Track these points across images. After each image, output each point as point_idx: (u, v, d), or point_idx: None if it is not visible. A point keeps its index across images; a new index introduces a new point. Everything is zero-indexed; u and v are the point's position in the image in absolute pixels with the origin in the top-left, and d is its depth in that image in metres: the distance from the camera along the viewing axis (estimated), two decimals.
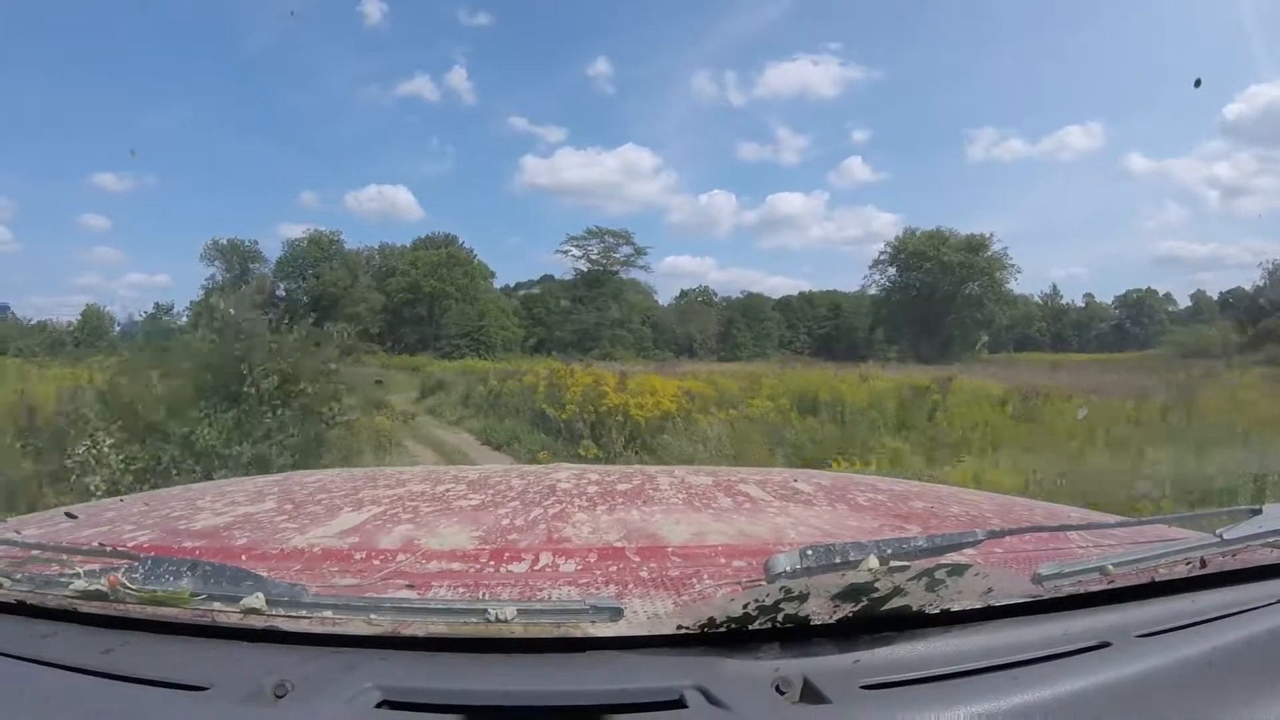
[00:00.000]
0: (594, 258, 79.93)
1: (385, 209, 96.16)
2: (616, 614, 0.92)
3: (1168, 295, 77.46)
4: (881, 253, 76.37)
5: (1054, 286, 79.41)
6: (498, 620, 0.91)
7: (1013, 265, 71.73)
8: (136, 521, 1.65)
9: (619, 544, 1.36)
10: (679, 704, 0.83)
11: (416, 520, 1.56)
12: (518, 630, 0.91)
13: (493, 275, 79.90)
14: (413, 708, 0.83)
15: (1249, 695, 0.90)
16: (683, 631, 0.92)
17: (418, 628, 0.92)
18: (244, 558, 1.28)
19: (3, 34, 76.68)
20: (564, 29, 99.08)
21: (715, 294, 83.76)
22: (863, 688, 0.87)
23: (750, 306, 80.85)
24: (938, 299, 71.47)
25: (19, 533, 1.42)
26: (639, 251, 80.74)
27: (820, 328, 79.44)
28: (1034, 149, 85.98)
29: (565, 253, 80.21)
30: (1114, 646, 0.97)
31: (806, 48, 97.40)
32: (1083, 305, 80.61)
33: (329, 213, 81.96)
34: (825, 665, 0.90)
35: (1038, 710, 0.84)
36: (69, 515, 1.67)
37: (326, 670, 0.88)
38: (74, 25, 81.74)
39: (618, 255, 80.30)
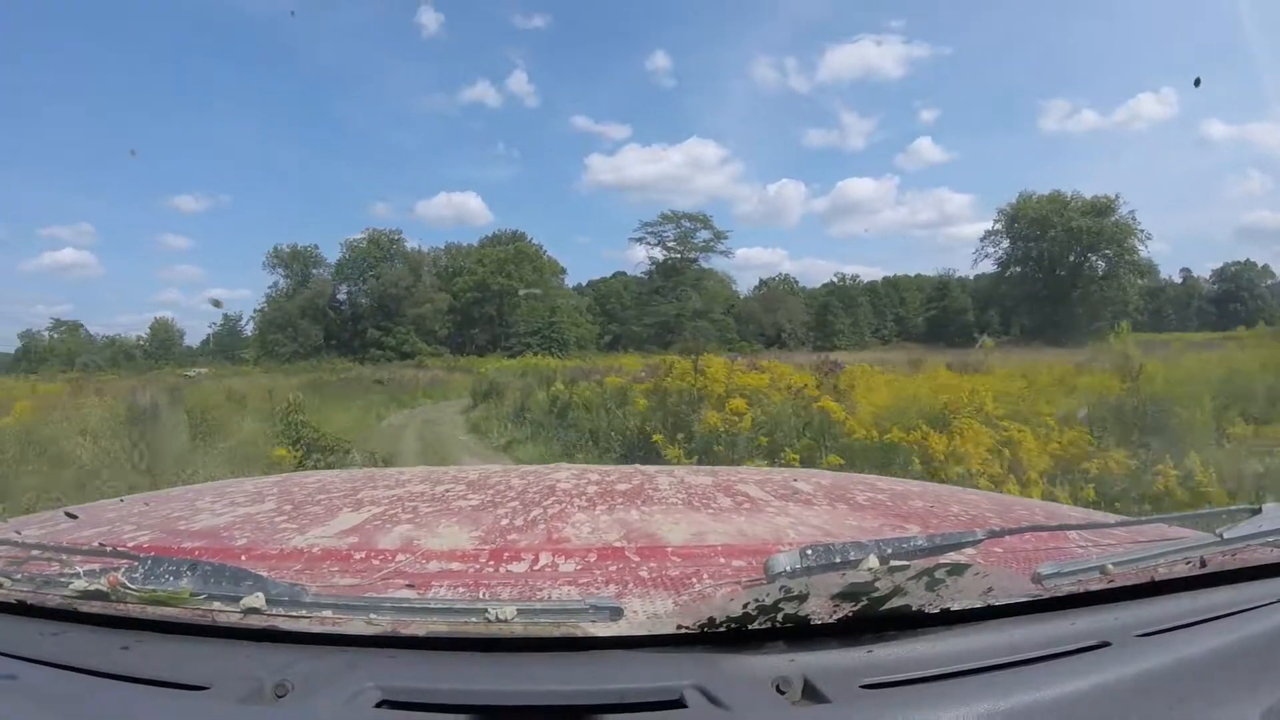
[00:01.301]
0: (670, 245, 76.07)
1: (455, 215, 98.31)
2: (616, 614, 0.93)
3: (1265, 267, 72.13)
4: (996, 221, 69.78)
5: (1149, 260, 70.51)
6: (497, 620, 0.91)
7: (1142, 231, 63.57)
8: (136, 521, 1.66)
9: (619, 544, 1.37)
10: (679, 704, 0.83)
11: (416, 520, 1.57)
12: (517, 630, 0.91)
13: (563, 271, 76.84)
14: (413, 707, 0.83)
15: (1249, 695, 0.89)
16: (683, 631, 0.92)
17: (417, 627, 0.92)
18: (244, 558, 1.29)
19: (77, 69, 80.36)
20: (620, 25, 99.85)
21: (796, 281, 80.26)
22: (862, 687, 0.87)
23: (844, 291, 77.13)
24: (1061, 272, 64.45)
25: (19, 533, 1.43)
26: (718, 235, 76.22)
27: (926, 310, 75.33)
28: (1107, 120, 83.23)
29: (640, 240, 76.51)
30: (1114, 646, 0.97)
31: (868, 27, 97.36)
32: (1180, 281, 74.30)
33: (401, 222, 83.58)
34: (825, 665, 0.90)
35: (1038, 710, 0.84)
36: (69, 515, 1.69)
37: (326, 670, 0.88)
38: (144, 55, 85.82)
39: (695, 241, 76.03)
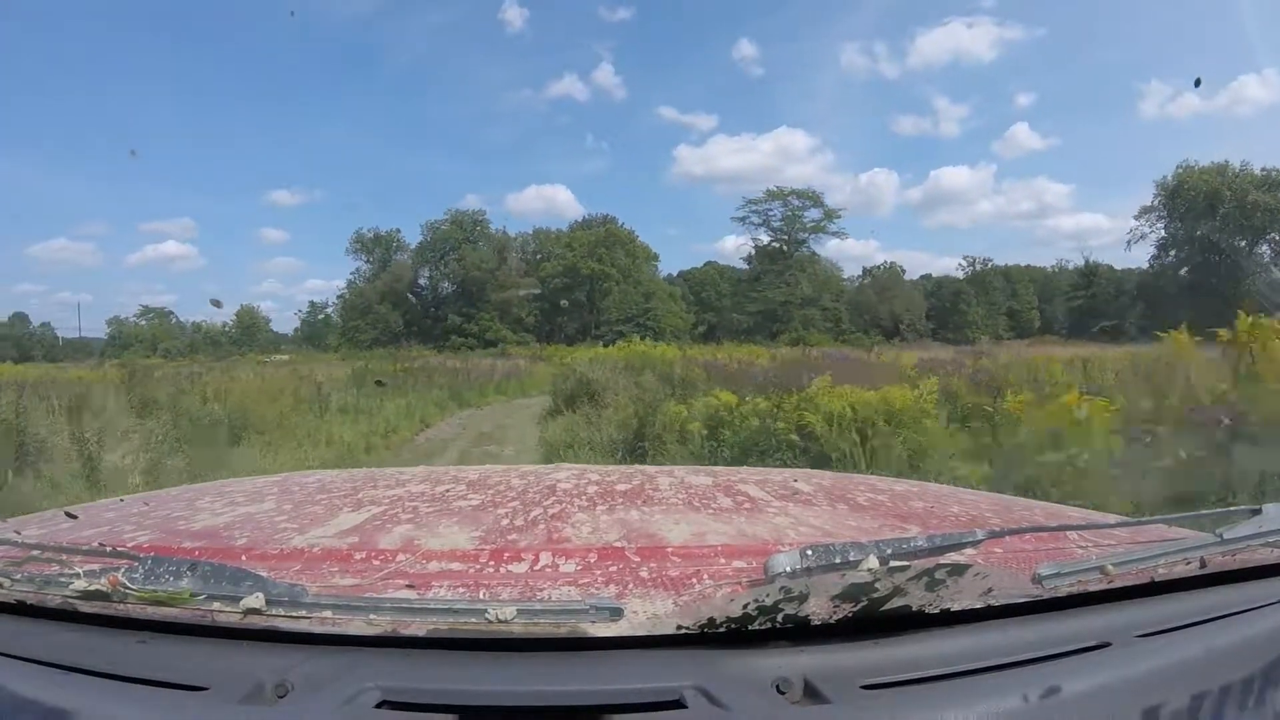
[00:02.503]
0: (775, 225, 69.41)
1: (546, 208, 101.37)
2: (616, 614, 0.93)
3: None
4: (1155, 196, 61.00)
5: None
6: (498, 620, 0.91)
7: None
8: (136, 521, 1.66)
9: (619, 544, 1.37)
10: (679, 704, 0.83)
11: (416, 520, 1.57)
12: (518, 630, 0.91)
13: (656, 258, 72.37)
14: (412, 708, 0.83)
15: (1249, 695, 0.90)
16: (683, 631, 0.93)
17: (418, 628, 0.92)
18: (244, 558, 1.30)
19: (176, 73, 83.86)
20: (704, 13, 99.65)
21: (904, 270, 73.62)
22: (863, 688, 0.87)
23: (979, 279, 70.67)
24: (1229, 256, 54.74)
25: (19, 533, 1.43)
26: (829, 215, 69.12)
27: (1070, 300, 67.84)
28: (1209, 104, 77.15)
29: (742, 219, 70.67)
30: (1114, 646, 0.97)
31: (958, 10, 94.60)
32: None
33: (492, 215, 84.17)
34: (825, 665, 0.90)
35: (1038, 710, 0.85)
36: (69, 515, 1.69)
37: (326, 670, 0.88)
38: (240, 58, 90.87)
39: (804, 220, 68.96)
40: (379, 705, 0.84)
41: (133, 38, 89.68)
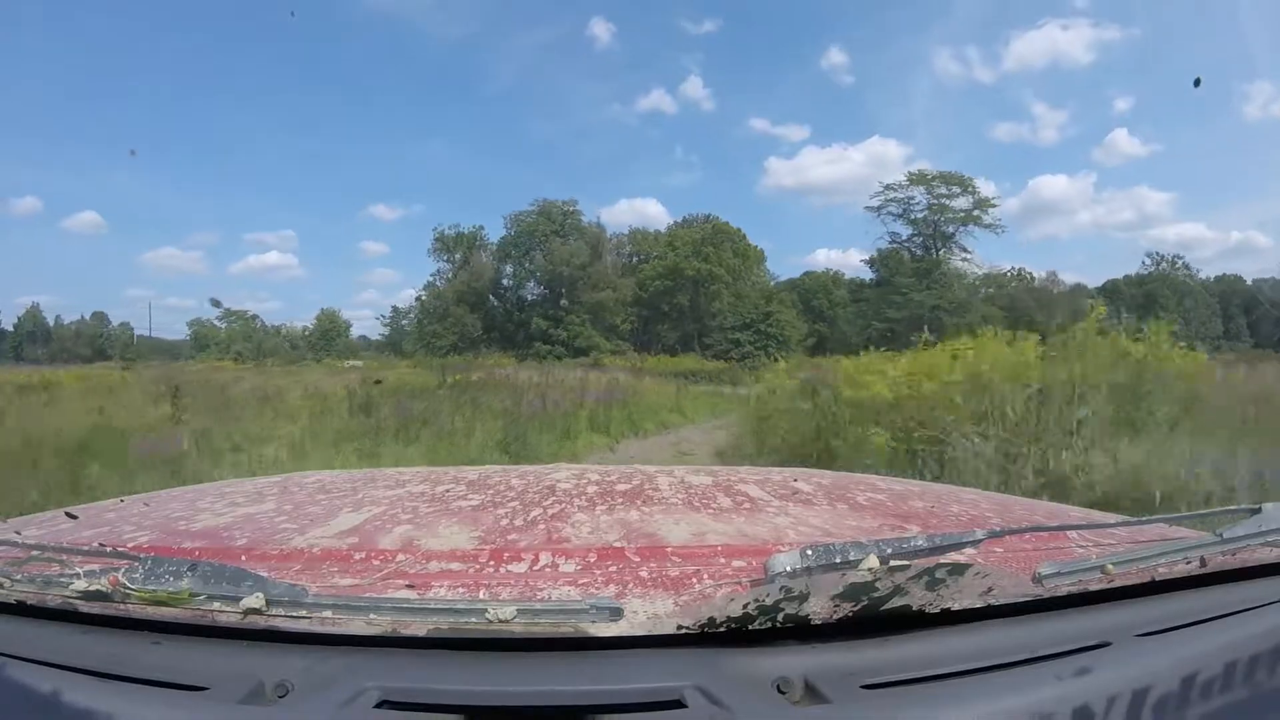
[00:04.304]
0: (917, 215, 58.89)
1: (636, 221, 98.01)
2: (616, 614, 0.93)
3: None
4: None
5: None
6: (497, 620, 0.91)
7: None
8: (136, 522, 1.66)
9: (619, 544, 1.36)
10: (679, 704, 0.83)
11: (416, 520, 1.57)
12: (517, 630, 0.91)
13: (764, 258, 64.06)
14: (412, 708, 0.83)
15: (1249, 695, 0.90)
16: (683, 631, 0.93)
17: (417, 628, 0.92)
18: (244, 558, 1.29)
19: (283, 91, 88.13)
20: (792, 23, 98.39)
21: (1030, 274, 62.92)
22: (863, 688, 0.87)
23: (1170, 280, 60.24)
24: None
25: (19, 533, 1.43)
26: (983, 204, 57.98)
27: None
28: None
29: (877, 210, 60.59)
30: (1114, 646, 0.97)
31: (1052, 11, 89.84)
32: None
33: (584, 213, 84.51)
34: (826, 665, 0.90)
35: (1038, 710, 0.84)
36: (69, 515, 1.69)
37: (326, 670, 0.89)
38: (343, 76, 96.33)
39: (953, 208, 57.84)
40: (379, 705, 0.84)
41: (243, 61, 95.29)
